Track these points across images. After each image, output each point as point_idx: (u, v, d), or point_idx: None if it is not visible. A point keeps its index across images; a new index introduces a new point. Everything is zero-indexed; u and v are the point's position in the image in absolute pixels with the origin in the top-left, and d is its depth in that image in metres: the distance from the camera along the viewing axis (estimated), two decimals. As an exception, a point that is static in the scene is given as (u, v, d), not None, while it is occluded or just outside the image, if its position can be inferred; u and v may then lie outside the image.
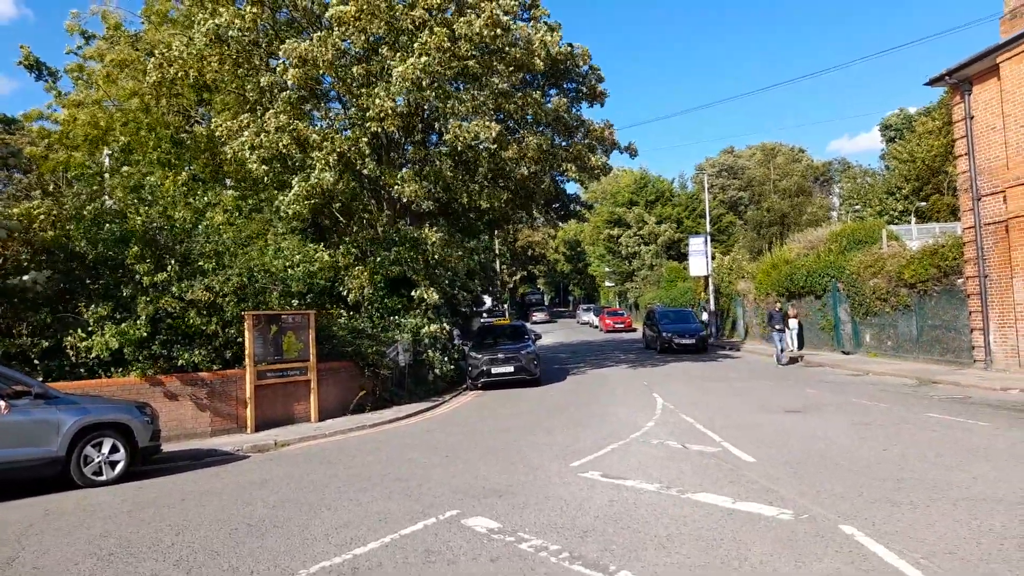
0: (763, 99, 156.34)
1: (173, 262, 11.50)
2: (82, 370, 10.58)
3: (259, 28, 15.34)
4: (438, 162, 16.57)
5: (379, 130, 14.81)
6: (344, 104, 17.15)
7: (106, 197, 12.93)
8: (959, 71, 14.95)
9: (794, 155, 66.13)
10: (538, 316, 62.51)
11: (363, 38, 14.72)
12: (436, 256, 16.07)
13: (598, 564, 4.70)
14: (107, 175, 16.03)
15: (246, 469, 8.94)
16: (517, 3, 16.33)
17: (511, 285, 73.39)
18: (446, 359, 16.73)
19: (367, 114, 14.55)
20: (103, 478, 8.11)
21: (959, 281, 15.80)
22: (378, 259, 15.58)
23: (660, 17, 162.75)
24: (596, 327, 50.52)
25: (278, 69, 14.77)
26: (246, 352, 11.67)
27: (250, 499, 7.10)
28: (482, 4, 14.76)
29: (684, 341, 25.23)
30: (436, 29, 14.03)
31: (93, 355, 10.44)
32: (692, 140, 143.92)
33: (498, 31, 14.74)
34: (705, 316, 31.87)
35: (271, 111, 14.47)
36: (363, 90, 14.91)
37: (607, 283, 64.17)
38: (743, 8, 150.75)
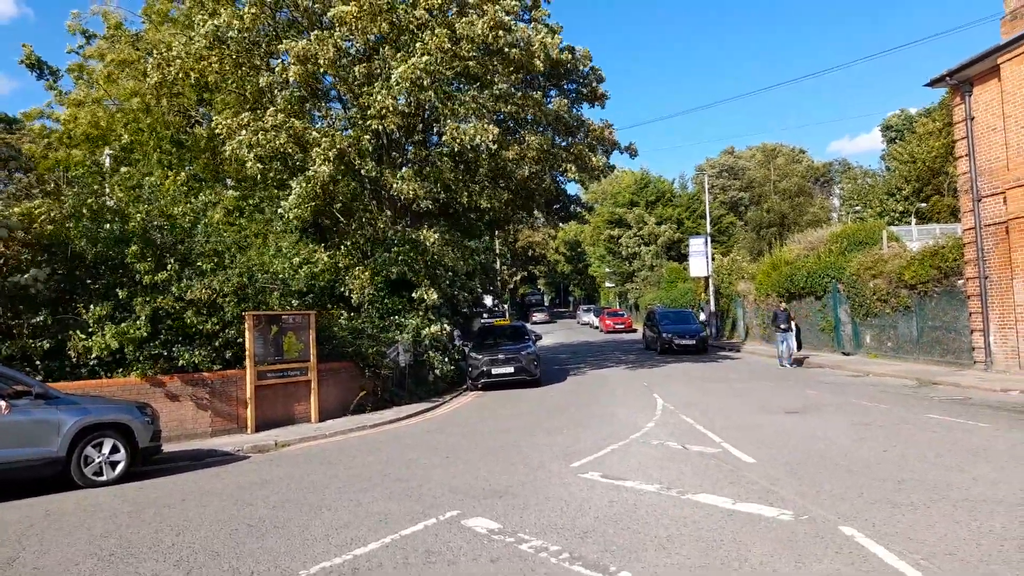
0: (764, 99, 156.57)
1: (173, 261, 11.51)
2: (83, 370, 10.57)
3: (259, 28, 15.34)
4: (438, 162, 16.58)
5: (380, 128, 14.80)
6: (344, 105, 17.16)
7: (106, 197, 12.92)
8: (959, 72, 14.95)
9: (794, 156, 66.16)
10: (538, 316, 62.58)
11: (364, 38, 14.73)
12: (435, 256, 16.07)
13: (598, 565, 4.70)
14: (107, 175, 16.03)
15: (246, 469, 8.94)
16: (518, 4, 16.34)
17: (511, 285, 73.39)
18: (446, 360, 16.73)
19: (368, 112, 14.55)
20: (103, 478, 8.11)
21: (959, 282, 15.80)
22: (379, 260, 15.58)
23: (660, 17, 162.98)
24: (596, 328, 50.53)
25: (277, 69, 14.79)
26: (246, 352, 11.68)
27: (251, 499, 7.10)
28: (484, 6, 14.78)
29: (684, 342, 25.23)
30: (438, 30, 14.04)
31: (94, 355, 10.45)
32: (692, 140, 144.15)
33: (500, 32, 14.75)
34: (703, 316, 31.86)
35: (271, 109, 14.47)
36: (364, 89, 14.93)
37: (607, 284, 64.20)
38: (743, 8, 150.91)
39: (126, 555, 5.42)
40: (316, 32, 14.35)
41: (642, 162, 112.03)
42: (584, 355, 27.71)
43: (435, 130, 17.65)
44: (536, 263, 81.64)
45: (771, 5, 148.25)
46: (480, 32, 14.49)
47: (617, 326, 46.02)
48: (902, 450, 7.86)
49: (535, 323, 56.32)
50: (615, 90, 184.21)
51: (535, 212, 23.14)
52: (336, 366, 13.68)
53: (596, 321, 51.46)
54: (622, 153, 20.26)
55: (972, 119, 15.01)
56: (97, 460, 8.09)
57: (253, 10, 14.61)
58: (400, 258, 15.58)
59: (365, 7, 13.90)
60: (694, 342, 25.24)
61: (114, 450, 8.22)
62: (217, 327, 11.60)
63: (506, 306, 57.13)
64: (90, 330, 10.50)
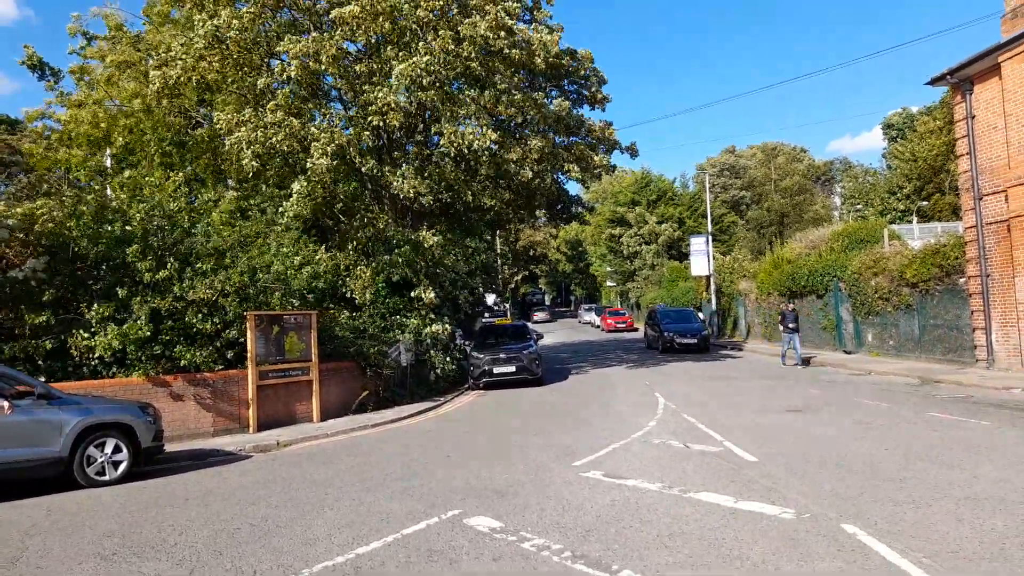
0: (764, 98, 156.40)
1: (173, 260, 11.52)
2: (85, 370, 10.59)
3: (259, 29, 15.34)
4: (440, 162, 16.58)
5: (381, 123, 14.79)
6: (345, 105, 17.16)
7: (108, 198, 12.94)
8: (960, 70, 14.94)
9: (795, 155, 66.17)
10: (539, 316, 62.60)
11: (366, 37, 14.73)
12: (436, 257, 16.07)
13: (600, 563, 4.71)
14: (108, 176, 16.05)
15: (248, 469, 8.96)
16: (520, 5, 16.34)
17: (513, 285, 73.45)
18: (448, 359, 16.75)
19: (369, 109, 14.55)
20: (106, 478, 8.12)
21: (961, 280, 15.79)
22: (380, 261, 15.59)
23: (661, 16, 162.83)
24: (598, 327, 50.52)
25: (276, 69, 14.78)
26: (248, 352, 11.69)
27: (253, 499, 7.11)
28: (487, 6, 14.77)
29: (686, 341, 25.22)
30: (442, 32, 14.04)
31: (96, 355, 10.47)
32: (693, 139, 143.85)
33: (502, 34, 14.75)
34: (702, 315, 31.83)
35: (271, 103, 14.47)
36: (366, 87, 14.92)
37: (609, 283, 64.19)
38: (744, 6, 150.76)
39: (129, 554, 5.43)
40: (314, 35, 14.35)
41: (643, 161, 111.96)
42: (586, 354, 27.71)
43: (435, 130, 17.65)
44: (537, 262, 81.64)
45: (772, 4, 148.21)
46: (483, 33, 14.49)
47: (619, 325, 46.01)
48: (904, 448, 7.86)
49: (536, 322, 56.33)
50: (616, 89, 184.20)
51: (537, 212, 23.13)
52: (338, 366, 13.69)
53: (597, 320, 51.46)
54: (623, 153, 20.26)
55: (973, 117, 15.00)
56: (100, 460, 8.11)
57: (252, 10, 14.62)
58: (400, 259, 15.59)
59: (367, 7, 13.90)
60: (696, 341, 25.22)
61: (116, 450, 8.23)
62: (219, 327, 11.61)
63: (507, 305, 57.16)
64: (93, 330, 10.52)
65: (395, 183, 15.15)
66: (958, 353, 16.03)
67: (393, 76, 14.06)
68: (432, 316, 16.12)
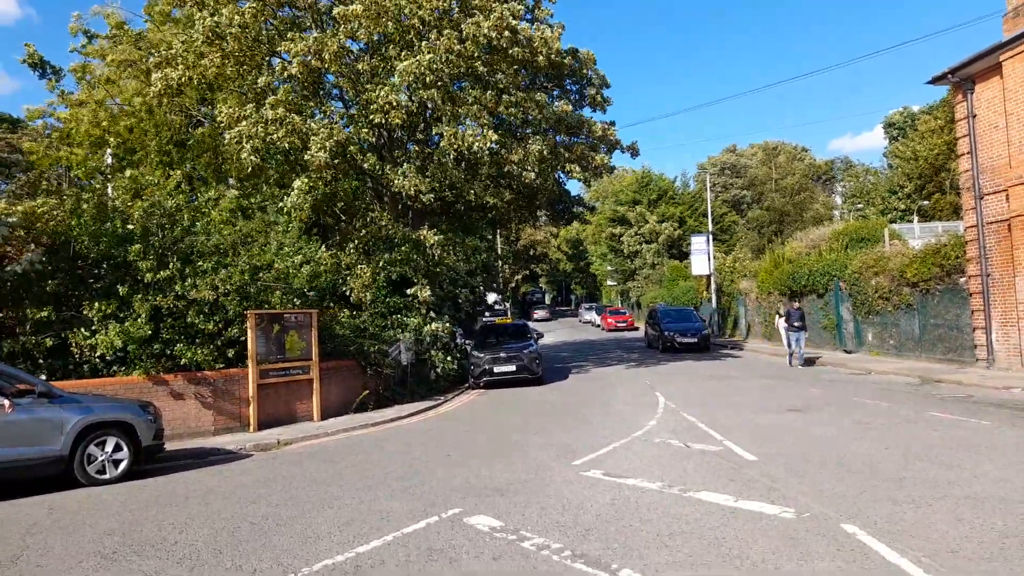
0: (765, 97, 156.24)
1: (175, 259, 11.52)
2: (86, 368, 10.60)
3: (260, 25, 15.33)
4: (441, 159, 16.58)
5: (382, 121, 14.79)
6: (347, 103, 17.16)
7: (109, 193, 12.95)
8: (961, 69, 14.92)
9: (796, 154, 66.13)
10: (540, 315, 62.65)
11: (369, 36, 14.72)
12: (436, 256, 16.07)
13: (600, 562, 4.71)
14: (109, 175, 16.04)
15: (249, 468, 8.96)
16: (522, 6, 16.34)
17: (513, 284, 73.46)
18: (448, 358, 16.75)
19: (371, 107, 14.55)
20: (106, 477, 8.13)
21: (961, 280, 15.78)
22: (382, 260, 15.59)
23: (661, 16, 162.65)
24: (598, 326, 50.51)
25: (277, 68, 14.77)
26: (249, 351, 11.69)
27: (253, 497, 7.12)
28: (492, 4, 14.76)
29: (686, 340, 25.23)
30: (447, 32, 14.03)
31: (98, 353, 10.47)
32: (694, 138, 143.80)
33: (506, 33, 14.74)
34: (702, 315, 31.78)
35: (271, 98, 14.46)
36: (368, 85, 14.92)
37: (609, 282, 64.20)
38: (744, 7, 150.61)
39: (129, 553, 5.43)
40: (316, 34, 14.35)
41: (644, 160, 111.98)
42: (586, 353, 27.71)
43: (436, 131, 17.66)
44: (538, 261, 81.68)
45: (772, 4, 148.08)
46: (487, 33, 14.49)
47: (619, 324, 46.00)
48: (904, 448, 7.86)
49: (537, 321, 56.37)
50: (616, 88, 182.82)
51: (538, 212, 23.14)
52: (338, 365, 13.70)
53: (598, 319, 51.45)
54: (624, 152, 20.25)
55: (974, 116, 14.99)
56: (100, 459, 8.11)
57: (253, 5, 14.60)
58: (400, 259, 15.58)
59: (370, 6, 13.89)
60: (696, 340, 25.23)
61: (117, 448, 8.24)
62: (219, 326, 11.62)
63: (508, 304, 57.18)
64: (94, 328, 10.52)
65: (396, 181, 15.14)
66: (958, 353, 16.03)
67: (396, 73, 14.06)
68: (432, 315, 16.12)
